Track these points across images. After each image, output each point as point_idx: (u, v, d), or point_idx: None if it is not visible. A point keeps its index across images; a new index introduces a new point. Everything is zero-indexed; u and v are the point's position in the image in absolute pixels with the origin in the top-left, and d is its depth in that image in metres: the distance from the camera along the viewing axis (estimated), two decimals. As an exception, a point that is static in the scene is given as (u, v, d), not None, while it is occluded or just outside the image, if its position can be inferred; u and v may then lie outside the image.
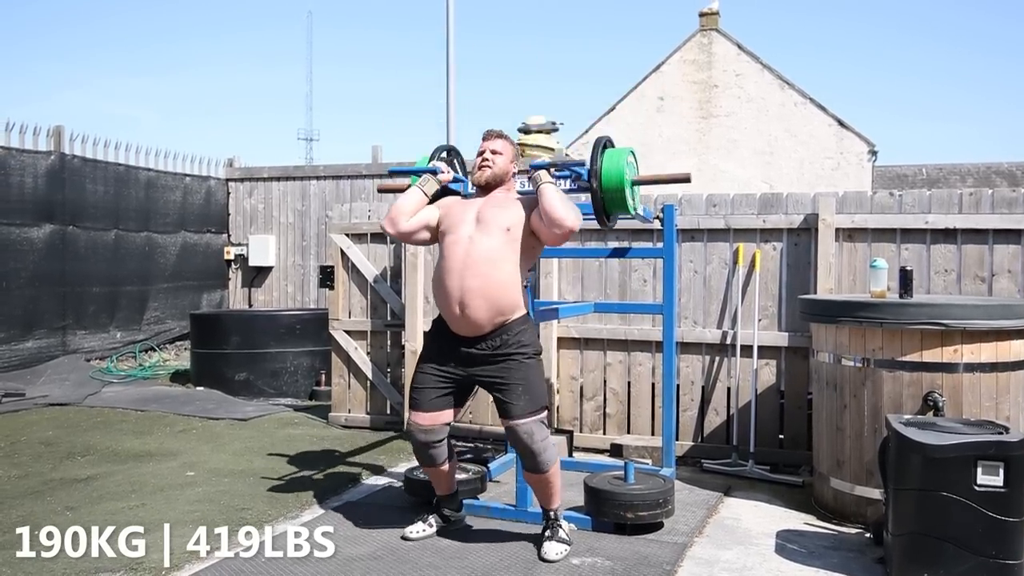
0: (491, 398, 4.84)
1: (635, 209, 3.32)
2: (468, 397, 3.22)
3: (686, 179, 3.43)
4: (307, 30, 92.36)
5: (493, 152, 3.19)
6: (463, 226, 3.07)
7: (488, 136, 3.24)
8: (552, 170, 3.13)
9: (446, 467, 3.20)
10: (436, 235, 3.19)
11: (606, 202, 3.21)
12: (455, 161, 3.62)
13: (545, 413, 3.05)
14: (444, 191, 3.34)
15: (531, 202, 3.08)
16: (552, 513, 3.10)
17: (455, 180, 3.39)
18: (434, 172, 3.26)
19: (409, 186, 3.26)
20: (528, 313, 3.12)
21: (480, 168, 3.18)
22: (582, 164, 3.24)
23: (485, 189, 3.20)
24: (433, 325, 3.21)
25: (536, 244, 3.12)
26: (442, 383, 3.09)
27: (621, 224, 4.66)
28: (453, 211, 3.17)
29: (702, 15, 15.85)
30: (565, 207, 2.96)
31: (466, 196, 3.43)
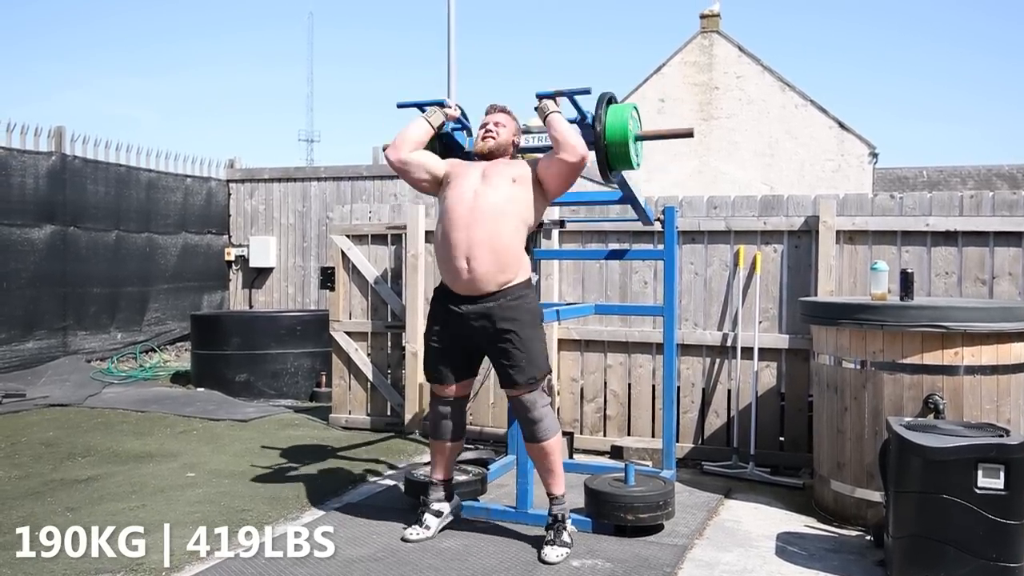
0: (490, 400, 4.83)
1: (638, 165, 3.28)
2: (480, 361, 3.28)
3: (689, 134, 3.43)
4: (308, 31, 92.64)
5: (496, 124, 3.24)
6: (468, 179, 3.12)
7: (491, 110, 3.30)
8: (557, 100, 3.10)
9: (451, 444, 3.27)
10: (435, 184, 3.22)
11: (610, 156, 3.18)
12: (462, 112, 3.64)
13: (546, 381, 3.11)
14: (449, 148, 3.38)
15: (534, 160, 3.14)
16: (559, 514, 3.10)
17: (460, 123, 3.43)
18: (441, 104, 3.31)
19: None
20: (531, 279, 3.15)
21: (484, 139, 3.23)
22: (587, 92, 3.17)
23: (488, 159, 3.23)
24: (435, 295, 3.24)
25: (541, 198, 3.15)
26: (453, 353, 3.16)
27: (621, 226, 4.68)
28: (459, 168, 3.22)
29: (703, 17, 15.87)
30: (574, 133, 3.01)
31: (467, 157, 3.45)
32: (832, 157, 15.26)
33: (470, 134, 3.54)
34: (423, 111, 3.32)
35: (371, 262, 5.41)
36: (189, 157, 9.08)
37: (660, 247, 4.39)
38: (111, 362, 7.79)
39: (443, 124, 3.33)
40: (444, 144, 3.46)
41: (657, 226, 4.16)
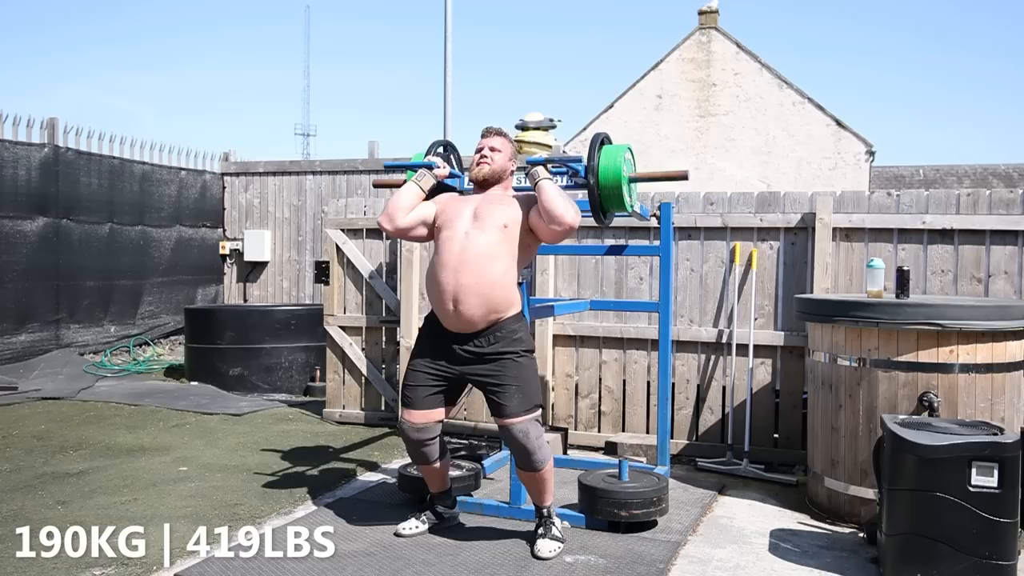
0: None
1: (632, 206, 3.31)
2: (461, 395, 3.20)
3: (683, 177, 3.41)
4: (305, 25, 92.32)
5: (492, 149, 3.17)
6: (459, 222, 3.05)
7: (487, 133, 3.22)
8: (549, 166, 3.11)
9: (439, 465, 3.18)
10: (432, 231, 3.17)
11: (603, 199, 3.20)
12: (451, 157, 3.60)
13: (539, 412, 3.03)
14: (440, 187, 3.33)
15: (529, 200, 3.06)
16: (545, 510, 3.09)
17: (451, 176, 3.37)
18: (430, 167, 3.23)
19: (405, 182, 3.24)
20: (522, 312, 3.10)
21: (478, 164, 3.17)
22: (579, 160, 3.23)
23: (482, 186, 3.18)
24: (425, 322, 3.19)
25: (533, 242, 3.10)
26: (434, 381, 3.07)
27: (618, 222, 4.66)
28: (450, 207, 3.15)
29: (701, 13, 15.84)
30: (565, 203, 2.94)
31: (463, 192, 3.41)
32: (829, 155, 15.27)
33: (462, 170, 3.50)
34: (416, 171, 3.24)
35: (366, 256, 5.39)
36: (183, 150, 9.05)
37: (656, 243, 4.39)
38: (104, 355, 7.76)
39: (434, 186, 3.24)
40: (436, 185, 3.37)
41: (653, 222, 4.15)
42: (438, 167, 3.26)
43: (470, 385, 3.15)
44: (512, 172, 3.27)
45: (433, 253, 3.12)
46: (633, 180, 3.31)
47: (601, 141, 3.21)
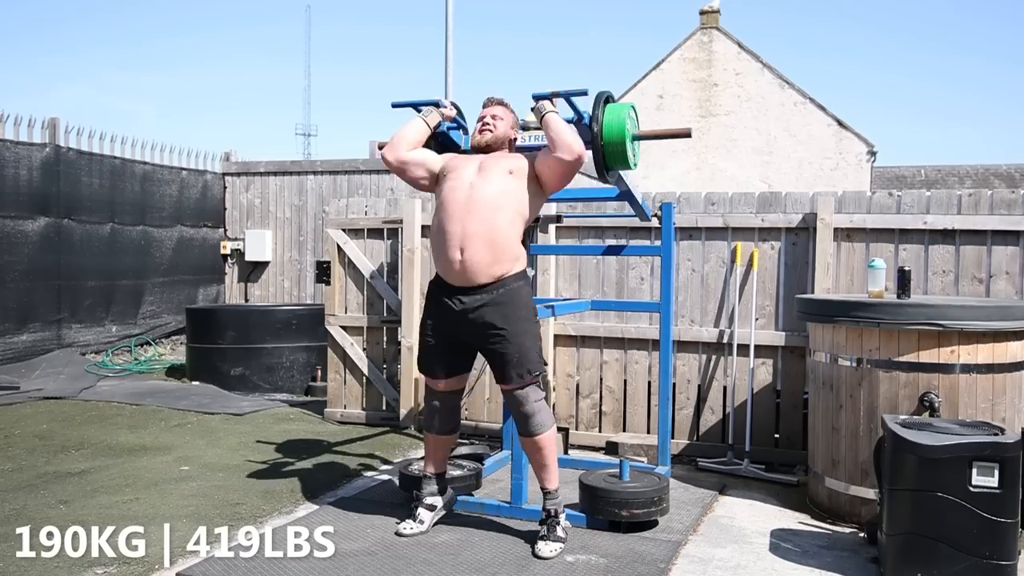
0: (486, 395, 4.82)
1: (635, 164, 3.26)
2: (474, 357, 3.27)
3: (687, 134, 3.41)
4: (306, 25, 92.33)
5: (494, 117, 3.22)
6: (465, 171, 3.10)
7: (489, 103, 3.27)
8: (554, 101, 3.10)
9: (445, 437, 3.26)
10: (434, 182, 3.21)
11: (607, 155, 3.16)
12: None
13: (539, 375, 3.08)
14: (445, 144, 3.37)
15: (533, 154, 3.13)
16: (552, 509, 3.10)
17: (456, 123, 3.42)
18: (437, 104, 3.30)
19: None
20: (526, 272, 3.13)
21: (481, 132, 3.21)
22: (584, 93, 3.15)
23: (485, 153, 3.21)
24: (430, 288, 3.22)
25: (539, 193, 3.13)
26: (446, 348, 3.15)
27: (619, 222, 4.67)
28: (455, 160, 3.21)
29: (703, 13, 15.84)
30: (571, 132, 3.00)
31: (465, 151, 3.43)
32: (830, 155, 15.26)
33: (466, 132, 3.53)
34: (419, 111, 3.31)
35: (367, 256, 5.39)
36: (184, 150, 9.05)
37: (657, 243, 4.39)
38: (106, 355, 7.77)
39: (439, 124, 3.31)
40: (440, 143, 3.44)
41: (654, 222, 4.15)
42: (445, 106, 3.31)
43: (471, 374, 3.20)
44: (514, 140, 3.29)
45: (437, 205, 3.16)
46: (637, 138, 3.29)
47: (606, 99, 3.18)
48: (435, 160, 3.23)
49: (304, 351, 6.73)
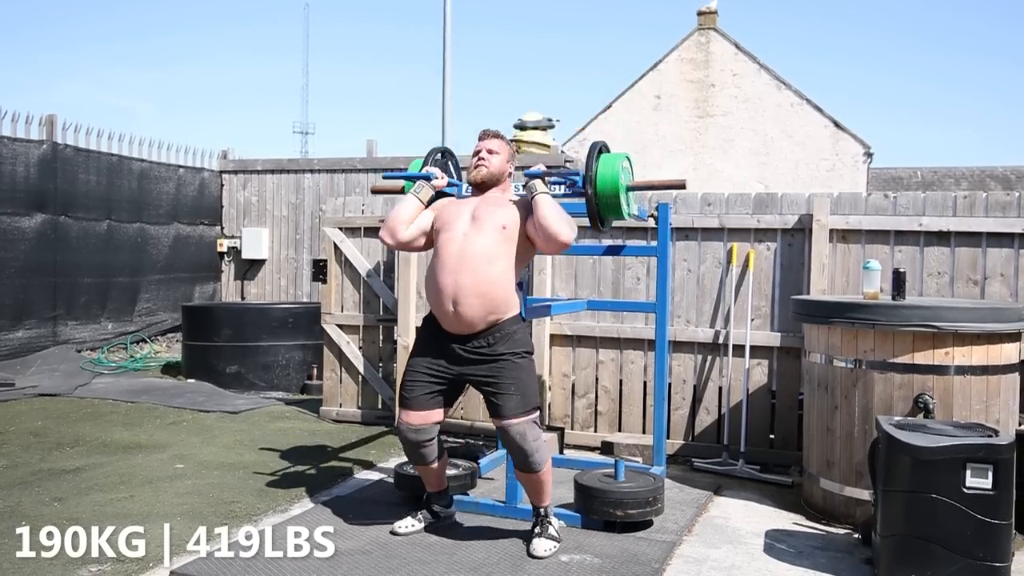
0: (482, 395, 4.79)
1: (629, 214, 3.33)
2: (459, 396, 3.20)
3: (681, 186, 3.44)
4: (304, 23, 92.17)
5: (489, 151, 3.18)
6: (458, 223, 3.06)
7: (484, 136, 3.23)
8: (547, 178, 3.12)
9: (436, 465, 3.19)
10: (431, 237, 3.17)
11: (601, 208, 3.21)
12: (449, 164, 3.62)
13: (537, 413, 3.03)
14: (439, 195, 3.33)
15: (527, 205, 3.06)
16: (542, 510, 3.10)
17: (449, 185, 3.39)
18: (428, 178, 3.24)
19: (403, 190, 3.25)
20: (521, 313, 3.10)
21: (476, 167, 3.18)
22: (577, 173, 3.25)
23: (481, 188, 3.19)
24: (424, 323, 3.19)
25: (530, 246, 3.11)
26: (433, 382, 3.07)
27: (615, 222, 4.67)
28: (447, 210, 3.16)
29: (700, 14, 15.84)
30: (560, 220, 2.95)
31: (461, 198, 3.42)
32: (827, 156, 15.28)
33: (460, 179, 3.52)
34: (412, 182, 3.25)
35: (364, 255, 5.39)
36: (182, 147, 9.04)
37: (653, 243, 4.39)
38: (101, 352, 7.76)
39: (433, 197, 3.25)
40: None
41: (651, 222, 4.15)
42: (436, 178, 3.25)
43: (467, 385, 3.16)
44: (511, 174, 3.28)
45: (432, 256, 3.12)
46: (631, 189, 3.31)
47: (599, 150, 3.21)
48: (427, 221, 3.18)
49: (300, 349, 6.73)
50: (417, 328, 3.28)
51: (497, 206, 3.09)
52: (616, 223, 4.64)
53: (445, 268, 2.99)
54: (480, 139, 3.22)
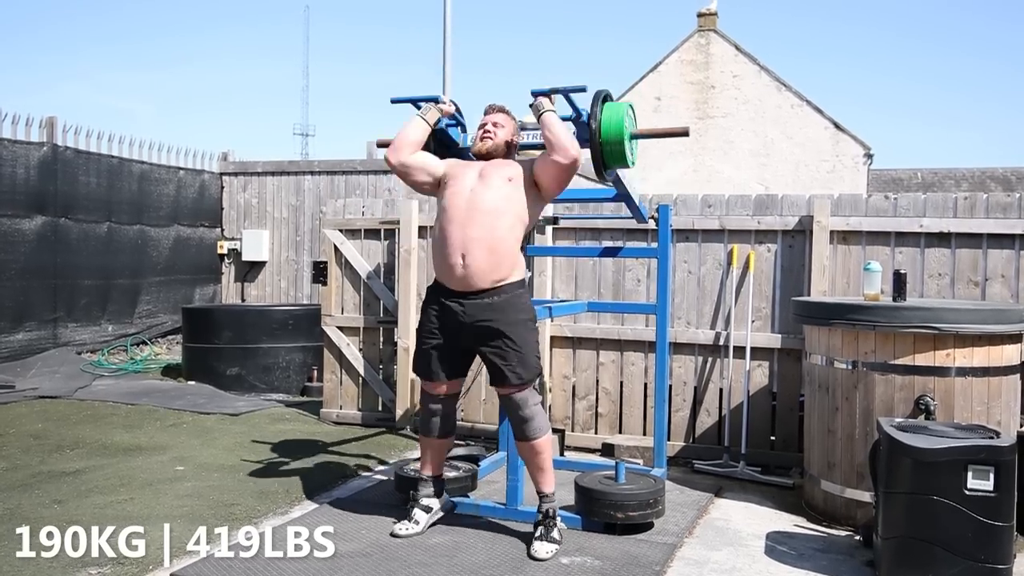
0: (482, 396, 4.81)
1: (633, 163, 3.26)
2: (471, 361, 3.28)
3: (684, 133, 3.40)
4: (304, 25, 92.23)
5: (495, 124, 3.24)
6: (465, 179, 3.13)
7: (490, 110, 3.30)
8: (552, 97, 3.11)
9: (439, 441, 3.26)
10: (435, 186, 3.23)
11: (605, 153, 3.15)
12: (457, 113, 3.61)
13: (538, 380, 3.12)
14: (444, 141, 3.37)
15: (530, 161, 3.16)
16: (549, 509, 3.10)
17: (455, 119, 3.43)
18: (436, 100, 3.31)
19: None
20: (525, 279, 3.15)
21: (482, 139, 3.23)
22: (583, 89, 3.14)
23: (486, 159, 3.23)
24: (428, 292, 3.24)
25: (538, 198, 3.15)
26: (443, 352, 3.15)
27: (615, 223, 4.67)
28: (457, 167, 3.23)
29: (700, 15, 15.86)
30: (568, 135, 3.02)
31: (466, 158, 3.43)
32: (827, 158, 15.28)
33: (464, 130, 3.54)
34: (418, 107, 3.32)
35: (364, 257, 5.39)
36: (182, 149, 9.04)
37: (654, 245, 4.39)
38: (101, 354, 7.75)
39: (439, 120, 3.34)
40: (439, 141, 3.44)
41: (651, 224, 4.15)
42: (443, 102, 3.32)
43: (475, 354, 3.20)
44: (516, 146, 3.31)
45: (438, 211, 3.19)
46: (635, 136, 3.29)
47: (604, 97, 3.18)
48: (437, 165, 3.25)
49: (300, 351, 6.72)
50: (423, 300, 3.31)
51: (502, 165, 3.17)
52: (616, 224, 4.67)
53: (453, 222, 3.05)
54: (486, 113, 3.29)
